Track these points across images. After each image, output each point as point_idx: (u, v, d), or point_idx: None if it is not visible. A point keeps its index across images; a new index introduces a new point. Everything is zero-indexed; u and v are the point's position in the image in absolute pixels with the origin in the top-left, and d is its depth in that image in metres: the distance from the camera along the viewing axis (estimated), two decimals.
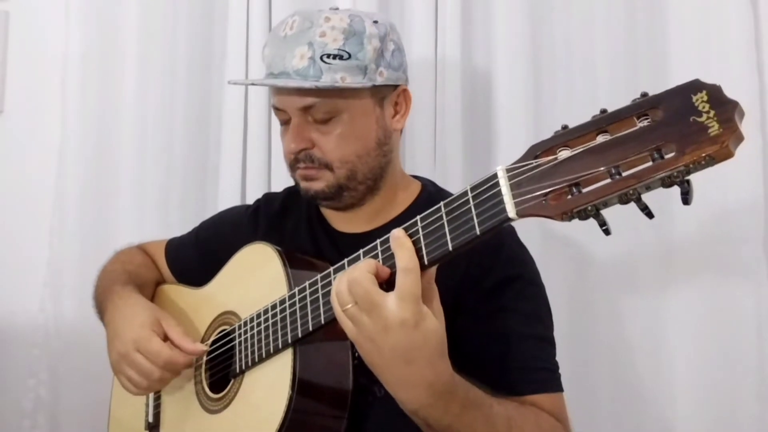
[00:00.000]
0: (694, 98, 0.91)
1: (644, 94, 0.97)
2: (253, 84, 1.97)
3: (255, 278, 1.64)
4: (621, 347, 2.17)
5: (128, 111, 2.53)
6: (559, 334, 1.58)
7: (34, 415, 2.51)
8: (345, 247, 1.63)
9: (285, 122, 1.64)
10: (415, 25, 2.29)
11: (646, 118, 0.95)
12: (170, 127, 2.53)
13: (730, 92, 0.92)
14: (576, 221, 1.00)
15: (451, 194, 1.15)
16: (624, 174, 0.94)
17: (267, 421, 1.43)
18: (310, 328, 1.37)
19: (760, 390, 2.04)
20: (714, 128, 0.88)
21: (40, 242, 2.55)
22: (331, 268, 1.34)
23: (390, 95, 1.64)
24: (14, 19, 2.69)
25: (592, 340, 2.18)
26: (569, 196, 0.98)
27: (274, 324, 1.47)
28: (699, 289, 2.09)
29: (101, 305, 1.85)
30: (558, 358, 1.55)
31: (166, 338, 1.63)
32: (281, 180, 2.25)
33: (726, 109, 0.89)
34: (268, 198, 1.93)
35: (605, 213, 0.98)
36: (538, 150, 1.03)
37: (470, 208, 1.09)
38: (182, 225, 2.17)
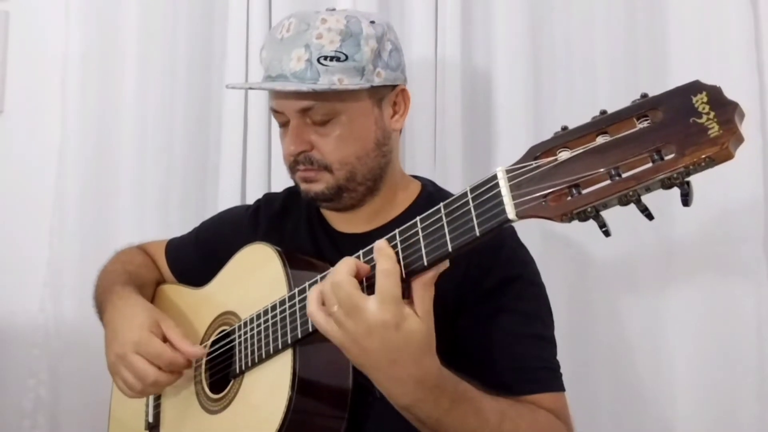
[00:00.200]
0: (694, 99, 0.91)
1: (644, 95, 0.97)
2: (251, 88, 1.97)
3: (255, 278, 1.64)
4: (621, 347, 2.17)
5: (128, 111, 2.53)
6: (559, 334, 1.58)
7: (34, 415, 2.51)
8: (345, 247, 1.62)
9: (284, 124, 1.64)
10: (415, 25, 2.29)
11: (646, 120, 0.94)
12: (170, 127, 2.53)
13: (730, 92, 0.92)
14: (576, 222, 1.00)
15: (451, 194, 1.15)
16: (624, 175, 0.94)
17: (267, 422, 1.43)
18: (310, 329, 1.37)
19: (760, 390, 2.04)
20: (714, 129, 0.88)
21: (40, 242, 2.55)
22: (331, 269, 1.33)
23: (388, 95, 1.64)
24: (14, 19, 2.69)
25: (592, 340, 2.18)
26: (569, 198, 0.98)
27: (274, 324, 1.47)
28: (699, 289, 2.09)
29: (101, 305, 1.85)
30: (558, 357, 1.55)
31: (165, 340, 1.63)
32: (281, 180, 2.25)
33: (726, 110, 0.89)
34: (268, 198, 1.93)
35: (605, 214, 0.98)
36: (537, 151, 1.02)
37: (470, 209, 1.09)
38: (182, 225, 2.17)
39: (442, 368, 1.24)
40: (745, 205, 2.03)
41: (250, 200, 2.08)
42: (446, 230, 1.13)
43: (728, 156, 0.89)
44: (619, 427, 2.16)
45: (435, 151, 2.28)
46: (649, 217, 0.96)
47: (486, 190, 1.07)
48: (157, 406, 1.80)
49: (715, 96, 0.91)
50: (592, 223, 1.00)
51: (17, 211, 2.63)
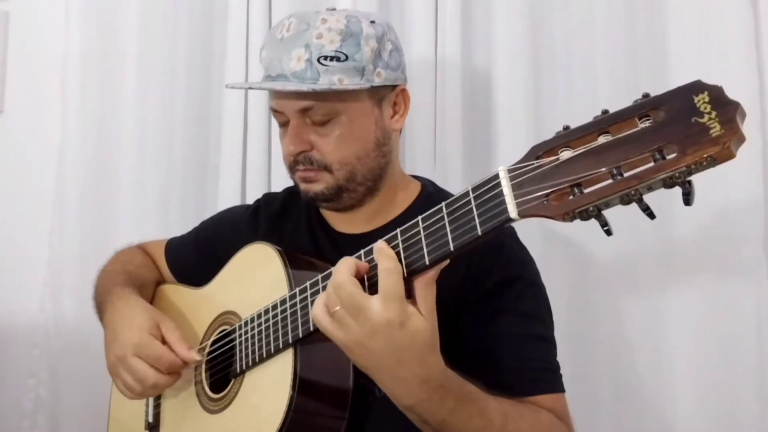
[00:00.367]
0: (696, 99, 0.91)
1: (646, 95, 0.97)
2: (251, 88, 1.97)
3: (255, 278, 1.64)
4: (621, 347, 2.17)
5: (128, 111, 2.53)
6: (559, 334, 1.58)
7: (34, 415, 2.51)
8: (345, 247, 1.62)
9: (283, 124, 1.64)
10: (415, 25, 2.29)
11: (648, 119, 0.95)
12: (170, 127, 2.53)
13: (730, 92, 0.92)
14: (576, 222, 1.00)
15: (451, 194, 1.15)
16: (625, 175, 0.94)
17: (267, 421, 1.43)
18: (311, 329, 1.37)
19: (760, 390, 2.04)
20: (715, 129, 0.88)
21: (40, 242, 2.55)
22: (332, 269, 1.33)
23: (388, 95, 1.63)
24: (14, 19, 2.69)
25: (592, 340, 2.18)
26: (571, 197, 0.98)
27: (275, 324, 1.47)
28: (699, 289, 2.09)
29: (101, 305, 1.84)
30: (558, 358, 1.55)
31: (164, 341, 1.63)
32: (281, 180, 2.25)
33: (728, 110, 0.89)
34: (268, 198, 1.93)
35: (606, 213, 0.98)
36: (539, 150, 1.03)
37: (472, 208, 1.09)
38: (182, 225, 2.17)
39: (447, 368, 1.24)
40: (745, 205, 2.03)
41: (250, 200, 2.08)
42: (448, 229, 1.13)
43: (730, 155, 0.89)
44: (619, 427, 2.16)
45: (435, 151, 2.28)
46: (651, 216, 0.96)
47: (488, 189, 1.07)
48: (157, 406, 1.80)
49: (717, 96, 0.91)
50: (591, 223, 1.00)
51: (17, 211, 2.63)
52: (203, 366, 1.69)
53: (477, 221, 1.08)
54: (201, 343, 1.73)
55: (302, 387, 1.42)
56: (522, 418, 1.35)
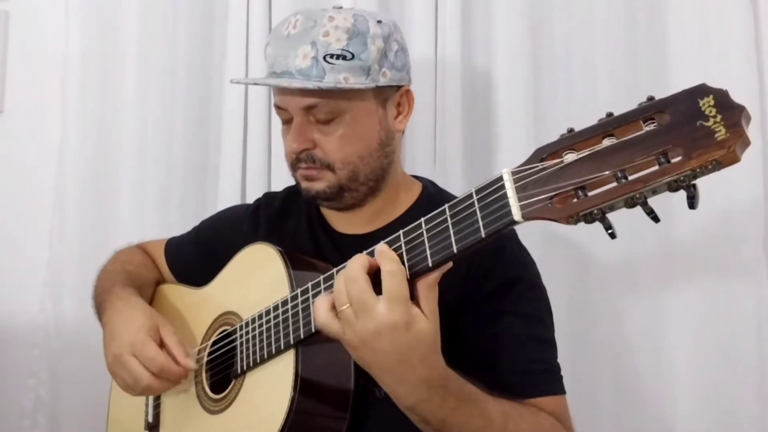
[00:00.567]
0: (701, 102, 0.91)
1: (650, 98, 0.97)
2: (255, 84, 1.96)
3: (256, 279, 1.64)
4: (621, 347, 2.17)
5: (128, 111, 2.52)
6: (559, 334, 1.58)
7: (34, 415, 2.51)
8: (346, 248, 1.63)
9: (287, 121, 1.63)
10: (415, 25, 2.29)
11: (653, 122, 0.94)
12: (170, 127, 2.53)
13: (729, 92, 0.92)
14: (580, 224, 1.00)
15: (452, 195, 1.15)
16: (630, 178, 0.94)
17: (269, 422, 1.43)
18: (313, 330, 1.37)
19: (760, 390, 2.05)
20: (721, 133, 0.88)
21: (40, 242, 2.55)
22: (334, 270, 1.33)
23: (393, 96, 1.63)
24: (14, 19, 2.69)
25: (592, 340, 2.18)
26: (575, 200, 0.98)
27: (276, 325, 1.47)
28: (699, 289, 2.09)
29: (100, 305, 1.84)
30: (558, 358, 1.55)
31: (162, 344, 1.63)
32: (281, 180, 2.25)
33: (733, 113, 0.89)
34: (269, 198, 1.93)
35: (609, 216, 0.98)
36: (543, 153, 1.03)
37: (475, 210, 1.09)
38: (182, 225, 2.17)
39: (448, 368, 1.24)
40: (745, 205, 2.04)
41: (250, 200, 2.08)
42: (451, 231, 1.13)
43: (735, 159, 0.89)
44: (619, 427, 2.16)
45: (435, 151, 2.28)
46: (656, 219, 0.96)
47: (492, 191, 1.07)
48: (157, 406, 1.80)
49: (722, 99, 0.91)
50: (592, 225, 1.00)
51: (17, 211, 2.63)
52: (204, 366, 1.69)
53: (480, 223, 1.08)
54: (201, 344, 1.73)
55: (304, 388, 1.42)
56: (522, 418, 1.35)
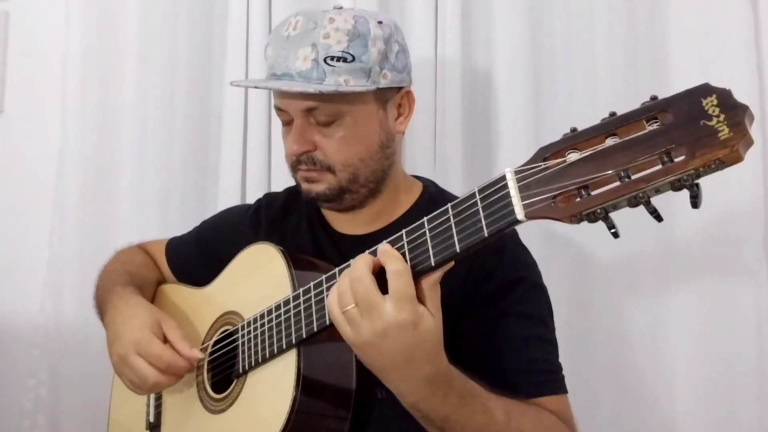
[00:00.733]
0: (704, 102, 0.91)
1: (653, 98, 0.97)
2: (256, 87, 1.96)
3: (258, 278, 1.64)
4: (621, 347, 2.18)
5: (128, 111, 2.52)
6: (559, 334, 1.58)
7: (34, 415, 2.51)
8: (346, 248, 1.63)
9: (287, 123, 1.63)
10: (415, 25, 2.29)
11: (656, 122, 0.95)
12: (170, 127, 2.53)
13: (732, 92, 0.92)
14: (583, 224, 1.00)
15: (452, 194, 1.15)
16: (633, 177, 0.94)
17: (270, 422, 1.43)
18: (315, 329, 1.37)
19: (760, 390, 2.05)
20: (724, 132, 0.89)
21: (40, 242, 2.55)
22: (336, 269, 1.33)
23: (394, 97, 1.63)
24: (14, 19, 2.69)
25: (592, 340, 2.19)
26: (578, 199, 0.98)
27: (278, 324, 1.47)
28: (699, 289, 2.10)
29: (102, 306, 1.84)
30: (559, 357, 1.55)
31: (165, 340, 1.62)
32: (281, 180, 2.25)
33: (736, 112, 0.89)
34: (269, 198, 1.93)
35: (612, 216, 0.99)
36: (546, 152, 1.03)
37: (478, 209, 1.09)
38: (182, 225, 2.16)
39: (450, 365, 1.25)
40: (745, 205, 2.04)
41: (250, 200, 2.08)
42: (454, 231, 1.13)
43: (738, 158, 0.89)
44: (619, 427, 2.17)
45: (435, 151, 2.28)
46: (659, 219, 0.96)
47: (495, 191, 1.07)
48: (158, 406, 1.80)
49: (725, 99, 0.91)
50: (593, 224, 1.00)
51: (17, 211, 2.63)
52: (205, 366, 1.69)
53: (483, 223, 1.08)
54: (203, 344, 1.72)
55: (306, 387, 1.42)
56: (524, 416, 1.35)
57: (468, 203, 1.12)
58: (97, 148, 2.53)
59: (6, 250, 2.62)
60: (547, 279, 1.61)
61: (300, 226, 1.79)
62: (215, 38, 2.52)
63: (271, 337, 1.49)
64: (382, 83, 1.57)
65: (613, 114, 0.99)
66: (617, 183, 0.95)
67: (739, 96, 0.92)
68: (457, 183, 2.18)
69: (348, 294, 1.19)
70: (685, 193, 0.94)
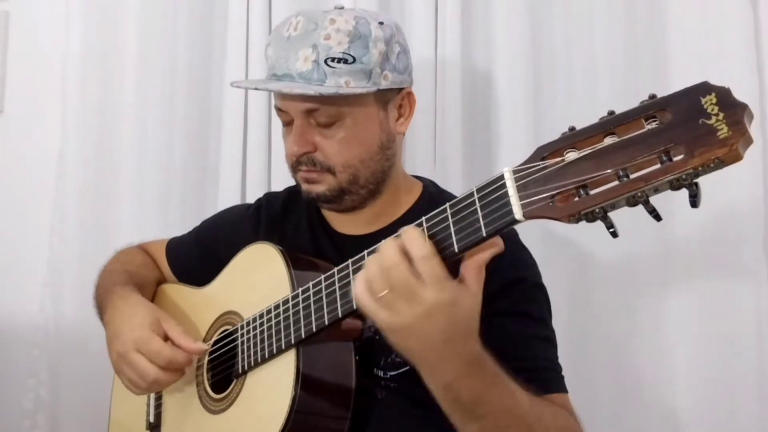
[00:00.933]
0: (703, 101, 0.91)
1: (652, 96, 0.97)
2: (257, 89, 1.95)
3: (258, 278, 1.64)
4: (621, 347, 2.18)
5: (128, 111, 2.52)
6: (559, 334, 1.58)
7: (34, 415, 2.51)
8: (346, 248, 1.63)
9: (287, 123, 1.63)
10: (415, 25, 2.29)
11: (654, 121, 0.94)
12: (170, 127, 2.53)
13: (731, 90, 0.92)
14: (582, 223, 1.00)
15: (452, 194, 1.14)
16: (632, 176, 0.94)
17: (270, 422, 1.43)
18: (314, 329, 1.37)
19: (760, 390, 2.05)
20: (723, 131, 0.89)
21: (40, 242, 2.55)
22: (335, 269, 1.34)
23: (394, 98, 1.63)
24: (14, 19, 2.69)
25: (592, 340, 2.18)
26: (576, 198, 0.98)
27: (278, 324, 1.47)
28: (699, 289, 2.10)
29: (101, 305, 1.84)
30: (558, 357, 1.55)
31: (166, 338, 1.62)
32: (281, 180, 2.25)
33: (735, 111, 0.89)
34: (269, 198, 1.93)
35: (610, 214, 0.98)
36: (545, 152, 1.03)
37: (476, 209, 1.09)
38: (182, 225, 2.16)
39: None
40: (745, 205, 2.04)
41: (250, 200, 2.08)
42: (452, 230, 1.13)
43: (737, 157, 0.89)
44: (619, 426, 2.16)
45: (435, 151, 2.28)
46: (657, 218, 0.96)
47: (493, 190, 1.07)
48: (158, 406, 1.80)
49: (725, 97, 0.91)
50: (592, 224, 1.00)
51: (17, 211, 2.63)
52: (205, 366, 1.69)
53: (482, 222, 1.09)
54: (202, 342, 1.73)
55: (305, 387, 1.42)
56: (543, 406, 1.34)
57: (466, 203, 1.11)
58: (97, 148, 2.53)
59: (6, 250, 2.62)
60: (547, 279, 1.61)
61: (300, 226, 1.79)
62: (215, 38, 2.52)
63: (270, 336, 1.48)
64: (383, 84, 1.56)
65: (611, 113, 0.99)
66: (616, 182, 0.95)
67: (739, 96, 0.92)
68: (457, 183, 2.18)
69: (379, 280, 1.16)
70: (684, 193, 0.94)
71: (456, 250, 1.13)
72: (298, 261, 1.57)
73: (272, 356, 1.48)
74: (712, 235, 2.07)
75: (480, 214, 1.09)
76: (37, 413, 2.51)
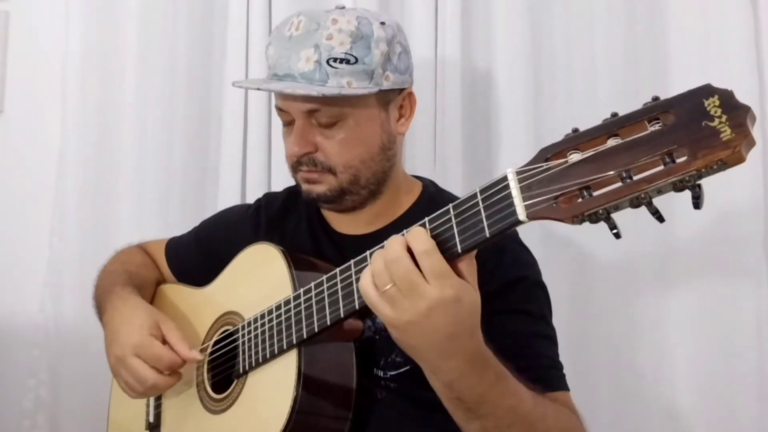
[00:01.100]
0: (706, 102, 0.91)
1: (655, 98, 0.97)
2: (258, 89, 1.94)
3: (258, 278, 1.64)
4: (621, 347, 2.18)
5: (128, 111, 2.52)
6: (559, 334, 1.59)
7: (34, 415, 2.51)
8: (346, 248, 1.63)
9: (288, 123, 1.62)
10: (415, 25, 2.29)
11: (658, 122, 0.94)
12: (170, 127, 2.53)
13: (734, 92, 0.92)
14: (584, 224, 1.00)
15: (452, 194, 1.14)
16: (635, 178, 0.94)
17: (271, 421, 1.43)
18: (316, 330, 1.37)
19: (760, 390, 2.06)
20: (726, 133, 0.89)
21: (40, 242, 2.55)
22: (337, 270, 1.33)
23: (395, 99, 1.63)
24: (14, 19, 2.69)
25: (592, 339, 2.19)
26: (580, 200, 0.98)
27: (279, 324, 1.47)
28: (699, 289, 2.10)
29: (101, 305, 1.84)
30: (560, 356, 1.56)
31: (164, 341, 1.62)
32: (281, 180, 2.25)
33: (738, 113, 0.89)
34: (269, 198, 1.93)
35: (614, 216, 0.99)
36: (548, 153, 1.03)
37: (480, 210, 1.09)
38: (182, 225, 2.16)
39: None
40: (745, 206, 2.04)
41: (250, 200, 2.08)
42: (456, 231, 1.13)
43: (740, 159, 0.90)
44: (620, 426, 2.17)
45: (435, 151, 2.28)
46: (660, 219, 0.96)
47: (496, 191, 1.07)
48: (158, 406, 1.80)
49: (728, 99, 0.91)
50: (594, 225, 1.00)
51: (17, 211, 2.63)
52: (205, 366, 1.69)
53: (485, 223, 1.08)
54: (203, 344, 1.72)
55: (307, 387, 1.42)
56: (545, 404, 1.34)
57: (469, 203, 1.11)
58: (97, 148, 2.53)
59: (6, 250, 2.62)
60: (547, 279, 1.62)
61: (300, 226, 1.79)
62: (215, 38, 2.52)
63: (271, 337, 1.48)
64: (385, 85, 1.56)
65: (614, 114, 0.99)
66: (619, 184, 0.95)
67: (739, 96, 0.92)
68: (457, 183, 2.18)
69: (385, 274, 1.16)
70: (685, 194, 0.94)
71: (459, 250, 1.12)
72: (299, 261, 1.57)
73: (273, 356, 1.48)
74: (712, 236, 2.07)
75: (483, 214, 1.09)
76: (37, 413, 2.51)
